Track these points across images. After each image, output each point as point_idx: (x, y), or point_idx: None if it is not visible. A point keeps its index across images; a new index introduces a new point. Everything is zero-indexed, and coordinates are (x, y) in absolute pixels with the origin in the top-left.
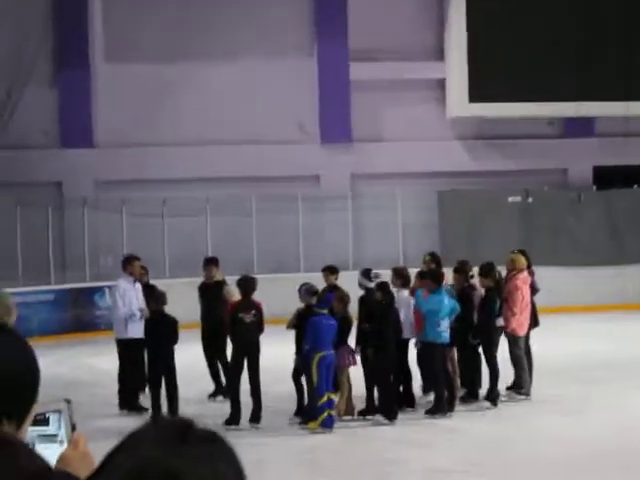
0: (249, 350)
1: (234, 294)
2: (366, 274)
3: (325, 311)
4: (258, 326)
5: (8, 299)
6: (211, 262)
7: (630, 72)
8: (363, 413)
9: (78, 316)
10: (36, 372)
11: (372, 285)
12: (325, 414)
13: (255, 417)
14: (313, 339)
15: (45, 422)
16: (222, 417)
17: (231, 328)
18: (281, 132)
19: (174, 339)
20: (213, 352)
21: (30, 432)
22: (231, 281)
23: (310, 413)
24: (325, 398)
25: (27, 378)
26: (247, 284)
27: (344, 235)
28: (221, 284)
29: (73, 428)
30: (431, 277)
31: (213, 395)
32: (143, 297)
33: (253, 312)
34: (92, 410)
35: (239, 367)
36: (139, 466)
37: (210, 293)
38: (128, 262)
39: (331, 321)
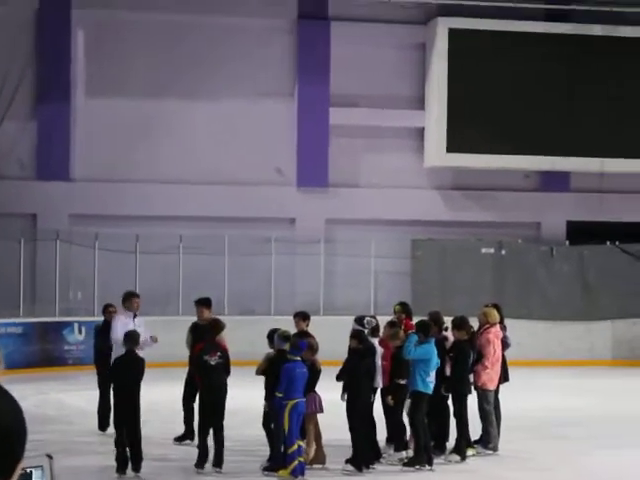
0: (216, 393)
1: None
2: (359, 321)
3: (298, 358)
4: (225, 368)
5: None
6: (201, 303)
7: (606, 129)
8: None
9: (46, 350)
10: (24, 428)
11: (365, 331)
12: (296, 462)
13: (218, 461)
14: (287, 386)
15: (28, 477)
16: (187, 460)
17: (197, 371)
18: (258, 174)
19: (141, 376)
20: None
21: None
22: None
23: (281, 461)
24: (295, 446)
25: (16, 435)
26: (214, 326)
27: (316, 280)
28: None
29: None
30: (419, 328)
31: (180, 439)
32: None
33: (218, 354)
34: (61, 447)
35: (207, 410)
36: None
37: (203, 335)
38: (127, 299)
39: (304, 369)
